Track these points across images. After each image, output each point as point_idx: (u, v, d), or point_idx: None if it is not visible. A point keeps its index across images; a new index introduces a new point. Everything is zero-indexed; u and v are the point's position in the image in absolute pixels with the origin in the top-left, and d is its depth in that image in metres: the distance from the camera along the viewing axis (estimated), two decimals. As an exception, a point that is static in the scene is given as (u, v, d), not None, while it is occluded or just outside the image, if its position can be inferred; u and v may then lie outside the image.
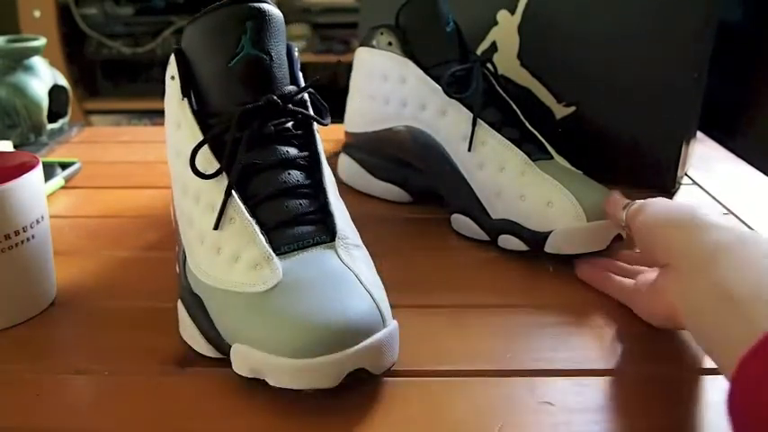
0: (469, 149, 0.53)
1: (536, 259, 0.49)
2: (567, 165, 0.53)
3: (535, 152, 0.52)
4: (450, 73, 0.54)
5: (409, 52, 0.57)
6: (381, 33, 0.58)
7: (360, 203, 0.47)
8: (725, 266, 0.32)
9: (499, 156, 0.52)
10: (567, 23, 0.63)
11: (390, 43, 0.58)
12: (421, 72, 0.56)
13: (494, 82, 0.56)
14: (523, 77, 0.65)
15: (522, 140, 0.53)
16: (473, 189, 0.53)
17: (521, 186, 0.50)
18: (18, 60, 0.75)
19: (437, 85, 0.55)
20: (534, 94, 0.65)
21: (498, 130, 0.53)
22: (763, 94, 0.76)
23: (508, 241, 0.50)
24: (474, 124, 0.53)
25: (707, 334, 0.33)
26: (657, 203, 0.41)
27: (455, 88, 0.54)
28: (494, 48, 0.66)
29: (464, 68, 0.54)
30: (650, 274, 0.42)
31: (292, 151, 0.41)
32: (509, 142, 0.52)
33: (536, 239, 0.48)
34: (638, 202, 0.43)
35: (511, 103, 0.56)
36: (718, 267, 0.33)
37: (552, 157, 0.53)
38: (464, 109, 0.54)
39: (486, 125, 0.53)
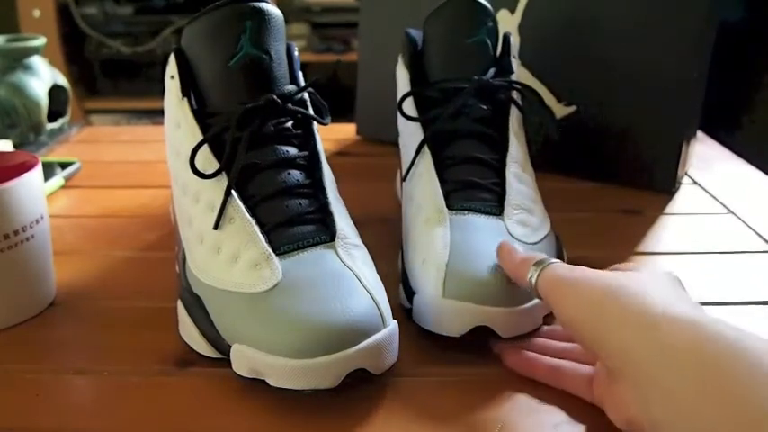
0: (404, 179, 0.48)
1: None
2: (509, 226, 0.42)
3: (480, 204, 0.43)
4: (414, 91, 0.49)
5: (415, 64, 0.51)
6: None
7: (360, 203, 0.47)
8: (696, 382, 0.25)
9: (421, 193, 0.44)
10: (566, 23, 0.63)
11: (402, 54, 0.53)
12: None
13: (486, 110, 0.47)
14: (523, 77, 0.65)
15: (479, 187, 0.44)
16: (402, 220, 0.47)
17: (418, 233, 0.42)
18: (18, 60, 0.75)
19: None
20: (537, 93, 0.65)
21: (451, 165, 0.45)
22: (763, 93, 0.77)
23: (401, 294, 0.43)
24: (417, 151, 0.46)
25: None
26: (579, 281, 0.32)
27: (424, 107, 0.49)
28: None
29: (449, 88, 0.48)
30: (581, 351, 0.36)
31: (292, 151, 0.41)
32: (437, 183, 0.44)
33: (409, 299, 0.41)
34: (552, 268, 0.34)
35: (514, 142, 0.47)
36: (689, 384, 0.25)
37: (499, 214, 0.43)
38: (419, 131, 0.47)
39: (429, 154, 0.45)
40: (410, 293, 0.40)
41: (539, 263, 0.35)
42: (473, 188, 0.44)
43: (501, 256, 0.38)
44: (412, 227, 0.44)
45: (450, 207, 0.42)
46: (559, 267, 0.34)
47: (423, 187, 0.45)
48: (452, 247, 0.39)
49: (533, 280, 0.35)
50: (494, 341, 0.38)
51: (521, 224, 0.42)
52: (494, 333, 0.37)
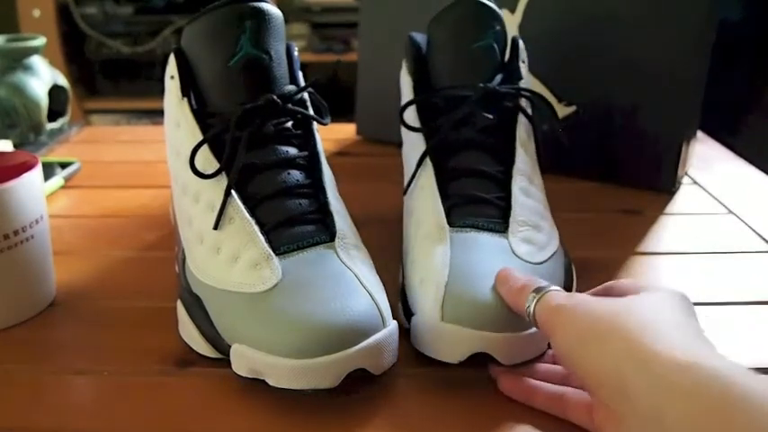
0: (405, 192, 0.46)
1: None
2: (513, 245, 0.40)
3: (483, 220, 0.40)
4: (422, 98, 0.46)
5: (419, 70, 0.49)
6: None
7: (360, 203, 0.47)
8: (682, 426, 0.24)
9: (421, 208, 0.42)
10: (567, 23, 0.63)
11: (406, 59, 0.51)
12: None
13: (492, 119, 0.44)
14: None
15: (483, 202, 0.41)
16: (403, 236, 0.45)
17: (417, 250, 0.40)
18: (17, 60, 0.75)
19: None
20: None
21: (453, 178, 0.43)
22: (764, 93, 0.77)
23: (398, 311, 0.40)
24: (419, 163, 0.44)
25: None
26: (579, 310, 0.30)
27: (428, 115, 0.46)
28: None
29: (452, 95, 0.45)
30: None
31: (292, 151, 0.41)
32: (438, 198, 0.42)
33: (407, 319, 0.39)
34: (550, 296, 0.32)
35: (522, 155, 0.44)
36: (691, 422, 0.24)
37: (503, 231, 0.40)
38: (421, 142, 0.45)
39: (431, 166, 0.43)
40: (409, 314, 0.38)
41: (537, 290, 0.33)
42: (476, 203, 0.41)
43: (499, 283, 0.35)
44: (412, 243, 0.42)
45: (451, 224, 0.40)
46: (557, 296, 0.32)
47: (423, 202, 0.43)
48: (452, 267, 0.37)
49: (531, 309, 0.33)
50: (492, 365, 0.36)
51: (526, 242, 0.40)
52: (495, 359, 0.35)
